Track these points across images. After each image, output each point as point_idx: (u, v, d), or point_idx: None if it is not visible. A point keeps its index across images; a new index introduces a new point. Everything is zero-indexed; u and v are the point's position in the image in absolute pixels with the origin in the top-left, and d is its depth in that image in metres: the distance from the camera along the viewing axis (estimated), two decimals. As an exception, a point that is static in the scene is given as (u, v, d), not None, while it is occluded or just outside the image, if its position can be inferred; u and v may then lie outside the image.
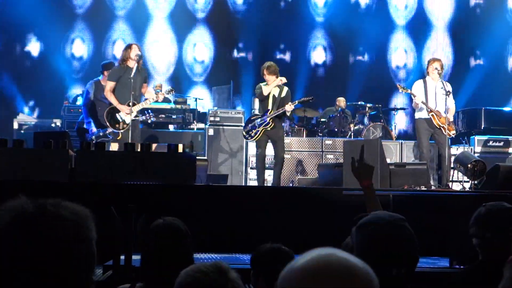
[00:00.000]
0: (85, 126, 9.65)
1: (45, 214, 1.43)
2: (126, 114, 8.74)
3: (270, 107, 9.55)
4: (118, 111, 8.80)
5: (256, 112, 10.19)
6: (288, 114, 9.65)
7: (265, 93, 9.59)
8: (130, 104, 8.74)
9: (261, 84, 9.77)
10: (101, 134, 9.21)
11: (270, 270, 3.20)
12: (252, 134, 9.56)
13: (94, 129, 9.40)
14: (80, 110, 11.15)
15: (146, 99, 9.06)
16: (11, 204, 1.45)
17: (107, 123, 8.82)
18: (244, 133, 9.78)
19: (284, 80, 9.58)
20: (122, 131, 8.72)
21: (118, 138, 8.66)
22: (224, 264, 2.03)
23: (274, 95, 9.59)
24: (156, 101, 9.62)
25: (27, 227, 1.41)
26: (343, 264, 1.31)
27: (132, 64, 8.87)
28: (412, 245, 2.39)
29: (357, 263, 1.32)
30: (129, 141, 8.11)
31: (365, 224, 2.43)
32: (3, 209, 1.44)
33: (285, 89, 9.75)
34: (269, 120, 9.44)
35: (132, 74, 8.72)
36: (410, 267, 2.39)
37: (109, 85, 8.94)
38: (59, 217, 1.44)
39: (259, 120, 9.55)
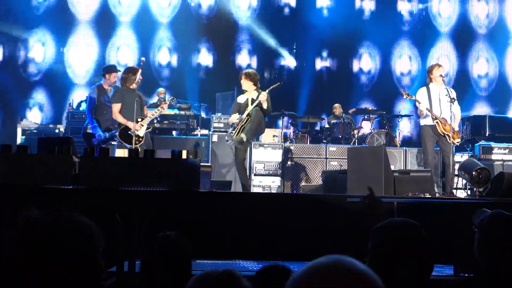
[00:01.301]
0: (91, 130, 9.67)
1: (57, 226, 1.45)
2: (137, 130, 9.03)
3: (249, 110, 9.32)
4: (129, 129, 9.01)
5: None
6: (265, 106, 9.18)
7: (240, 101, 9.48)
8: (139, 120, 9.09)
9: (238, 97, 9.70)
10: (108, 137, 9.30)
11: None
12: (232, 135, 9.28)
13: (100, 133, 9.45)
14: (84, 116, 11.16)
15: (154, 111, 9.39)
16: (24, 214, 1.46)
17: (124, 144, 9.06)
18: (226, 138, 9.56)
19: (264, 96, 9.16)
20: (139, 145, 8.93)
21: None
22: (236, 272, 2.02)
23: (252, 99, 9.36)
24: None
25: (38, 237, 1.42)
26: (351, 268, 1.33)
27: (134, 87, 9.21)
28: (424, 249, 2.43)
29: (365, 269, 1.35)
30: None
31: (381, 226, 2.49)
32: (17, 218, 1.45)
33: (263, 92, 9.38)
34: (245, 116, 9.24)
35: (136, 98, 9.04)
36: (422, 271, 2.42)
37: (116, 107, 9.26)
38: (70, 229, 1.45)
39: (239, 118, 9.32)
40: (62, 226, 1.48)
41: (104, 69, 10.18)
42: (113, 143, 9.24)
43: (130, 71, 9.42)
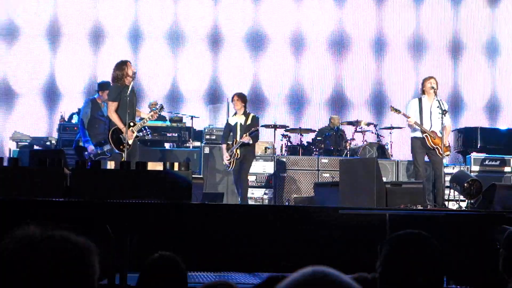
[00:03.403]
0: (82, 144, 9.60)
1: (52, 245, 1.43)
2: (130, 138, 8.68)
3: (238, 136, 10.05)
4: (122, 132, 8.74)
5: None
6: (250, 142, 9.99)
7: (231, 122, 10.26)
8: (131, 124, 8.68)
9: (228, 117, 10.69)
10: (99, 152, 9.18)
11: None
12: (229, 164, 10.14)
13: (92, 148, 9.36)
14: (76, 128, 11.12)
15: (143, 119, 9.00)
16: (19, 232, 1.45)
17: (111, 144, 8.73)
18: (224, 163, 10.33)
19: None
20: (125, 152, 8.70)
21: (122, 159, 8.60)
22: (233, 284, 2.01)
23: (241, 124, 10.08)
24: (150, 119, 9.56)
25: (32, 256, 1.40)
26: (335, 281, 1.32)
27: (129, 81, 8.82)
28: (439, 262, 2.44)
29: (349, 281, 1.34)
30: (126, 160, 8.09)
31: (396, 236, 2.50)
32: (11, 236, 1.44)
33: (251, 115, 10.20)
34: (236, 151, 9.98)
35: (128, 92, 8.69)
36: (435, 283, 2.42)
37: (113, 106, 8.75)
38: (64, 249, 1.43)
39: (229, 151, 10.09)
40: (59, 245, 1.45)
41: (99, 85, 10.09)
42: (104, 157, 9.09)
43: (116, 69, 8.85)
